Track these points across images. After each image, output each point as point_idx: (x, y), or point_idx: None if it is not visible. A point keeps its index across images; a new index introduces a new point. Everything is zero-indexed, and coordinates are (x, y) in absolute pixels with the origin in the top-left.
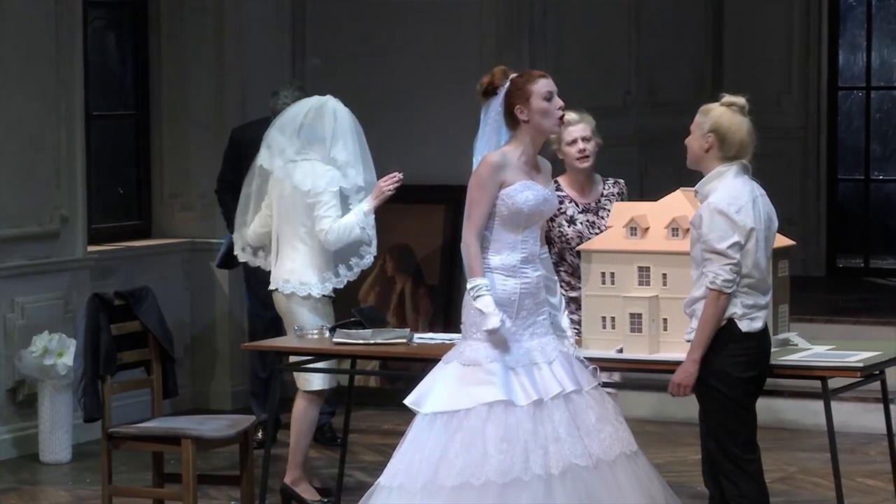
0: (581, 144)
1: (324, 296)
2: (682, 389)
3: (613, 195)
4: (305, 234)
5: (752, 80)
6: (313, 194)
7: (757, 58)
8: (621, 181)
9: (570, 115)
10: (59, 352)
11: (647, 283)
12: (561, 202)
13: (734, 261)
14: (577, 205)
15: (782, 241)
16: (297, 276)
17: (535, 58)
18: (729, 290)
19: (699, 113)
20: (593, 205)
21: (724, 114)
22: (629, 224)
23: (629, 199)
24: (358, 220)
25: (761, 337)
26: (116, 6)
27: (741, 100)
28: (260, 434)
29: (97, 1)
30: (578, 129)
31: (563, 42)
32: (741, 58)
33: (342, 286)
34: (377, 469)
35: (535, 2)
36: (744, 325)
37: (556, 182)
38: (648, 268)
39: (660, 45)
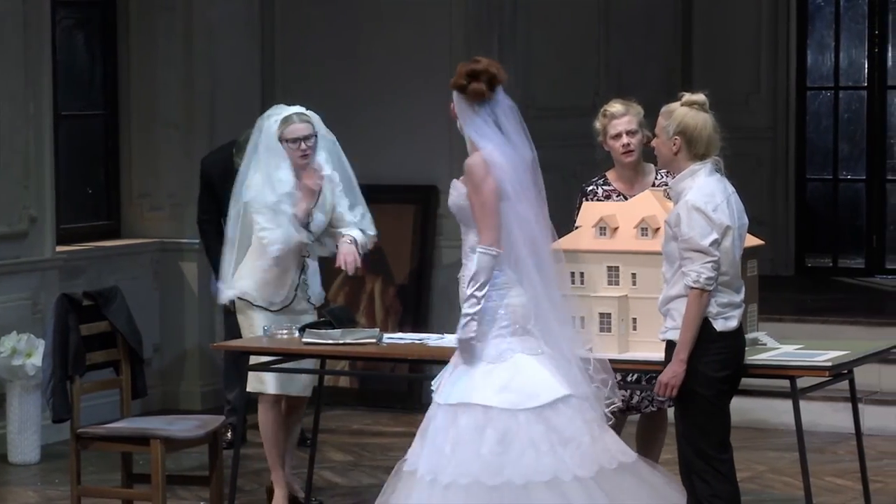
0: (625, 139)
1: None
2: (669, 389)
3: (666, 185)
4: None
5: (721, 80)
6: (252, 205)
7: (726, 58)
8: None
9: (616, 108)
10: (27, 352)
11: (617, 283)
12: (608, 196)
13: (715, 258)
14: (625, 198)
15: (751, 240)
16: (242, 284)
17: (505, 58)
18: (710, 288)
19: (661, 115)
20: None
21: (687, 114)
22: (598, 224)
23: None
24: (294, 226)
25: (736, 336)
26: (85, 6)
27: (701, 97)
28: (229, 434)
29: (65, 1)
30: (623, 123)
31: (533, 42)
32: (710, 58)
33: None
34: (347, 469)
35: (504, 2)
36: (718, 325)
37: (603, 176)
38: (618, 267)
39: (629, 45)
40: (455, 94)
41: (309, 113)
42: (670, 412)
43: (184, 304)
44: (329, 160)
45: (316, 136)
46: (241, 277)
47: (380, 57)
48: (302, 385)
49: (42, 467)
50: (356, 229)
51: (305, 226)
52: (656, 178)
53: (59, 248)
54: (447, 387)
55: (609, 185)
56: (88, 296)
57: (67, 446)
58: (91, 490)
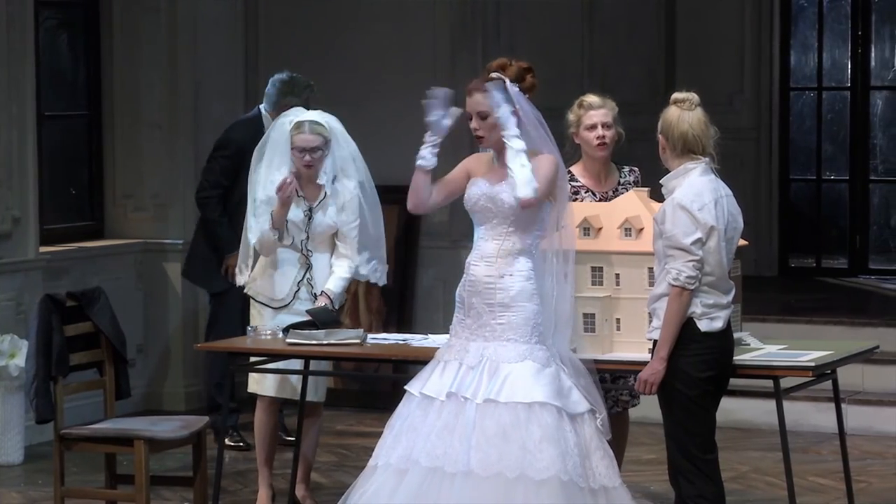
0: (600, 130)
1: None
2: (648, 387)
3: (630, 183)
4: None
5: (705, 81)
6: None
7: (709, 58)
8: (636, 169)
9: (592, 99)
10: (10, 353)
11: (601, 284)
12: (577, 192)
13: (697, 257)
14: (594, 194)
15: None
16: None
17: (489, 57)
18: (692, 287)
19: None
20: (611, 194)
21: (666, 112)
22: (582, 224)
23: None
24: (269, 226)
25: (721, 337)
26: (68, 6)
27: (685, 95)
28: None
29: (49, 1)
30: (599, 115)
31: (516, 42)
32: (694, 58)
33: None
34: (331, 469)
35: (488, 1)
36: (703, 325)
37: (569, 171)
38: (601, 268)
39: (613, 44)
40: (518, 90)
41: (326, 120)
42: (631, 412)
43: (167, 305)
44: (345, 173)
45: (327, 144)
46: (256, 276)
47: (363, 57)
48: (315, 391)
49: (25, 468)
50: (344, 270)
51: (307, 227)
52: (621, 176)
53: (43, 249)
54: (499, 387)
55: (577, 180)
56: (72, 296)
57: (51, 447)
58: (75, 491)
